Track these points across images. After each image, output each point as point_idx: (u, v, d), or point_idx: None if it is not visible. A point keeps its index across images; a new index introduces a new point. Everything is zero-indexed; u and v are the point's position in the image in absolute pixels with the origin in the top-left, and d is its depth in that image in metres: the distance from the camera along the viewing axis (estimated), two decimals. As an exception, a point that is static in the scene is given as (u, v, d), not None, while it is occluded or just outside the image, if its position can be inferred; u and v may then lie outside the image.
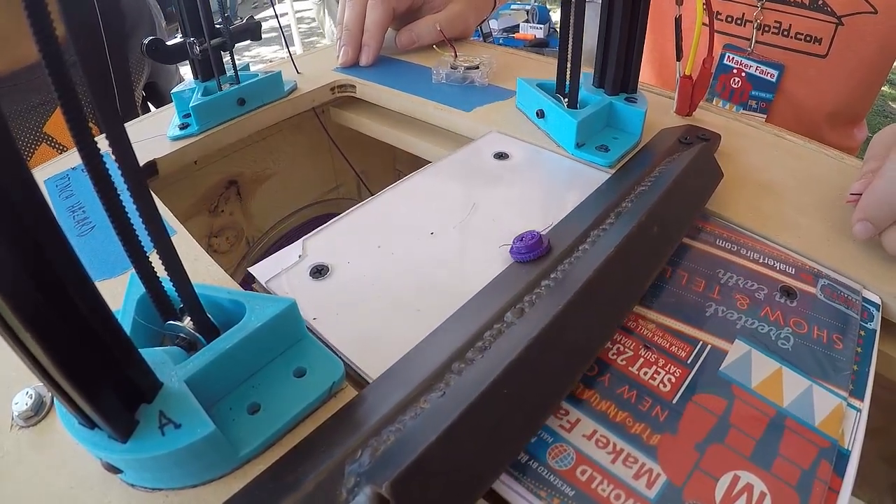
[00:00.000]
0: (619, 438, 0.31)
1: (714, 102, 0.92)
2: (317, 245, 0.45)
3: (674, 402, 0.33)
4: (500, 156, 0.55)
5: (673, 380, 0.34)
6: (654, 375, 0.34)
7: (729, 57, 0.88)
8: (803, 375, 0.35)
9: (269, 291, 0.40)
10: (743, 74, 0.88)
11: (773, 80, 0.86)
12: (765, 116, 0.90)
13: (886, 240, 0.43)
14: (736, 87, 0.90)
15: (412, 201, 0.50)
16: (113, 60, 0.87)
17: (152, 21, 1.11)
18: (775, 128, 0.60)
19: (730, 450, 0.30)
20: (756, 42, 0.87)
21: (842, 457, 0.31)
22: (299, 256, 0.43)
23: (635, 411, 0.32)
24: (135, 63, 1.08)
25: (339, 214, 0.47)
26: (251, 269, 0.42)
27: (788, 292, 0.40)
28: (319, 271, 0.42)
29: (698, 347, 0.36)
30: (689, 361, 0.35)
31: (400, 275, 0.41)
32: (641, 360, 0.35)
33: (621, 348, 0.36)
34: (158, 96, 1.16)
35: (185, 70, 0.81)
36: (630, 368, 0.35)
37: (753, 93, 0.89)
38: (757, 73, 0.87)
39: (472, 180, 0.52)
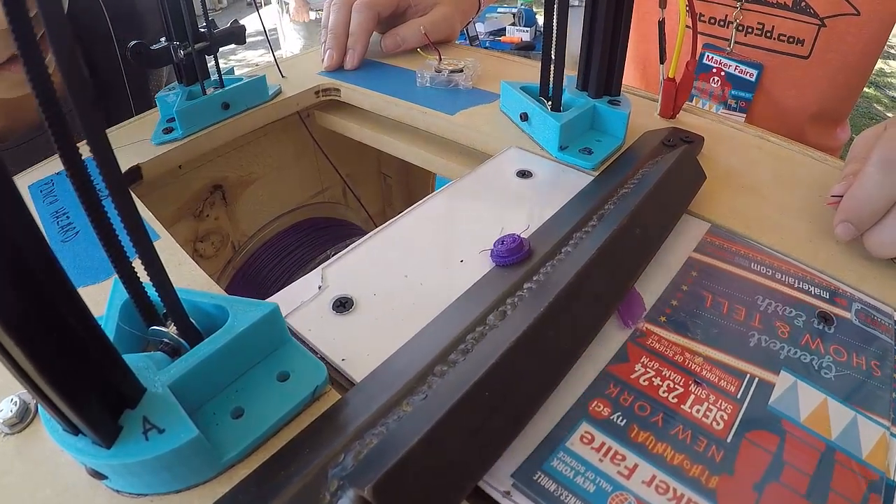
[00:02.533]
0: (678, 483, 0.30)
1: (694, 102, 0.93)
2: (337, 274, 0.42)
3: (728, 440, 0.32)
4: (523, 174, 0.53)
5: (725, 417, 0.33)
6: (707, 413, 0.33)
7: (708, 56, 0.89)
8: (847, 406, 0.34)
9: (288, 325, 0.37)
10: (722, 74, 0.89)
11: (753, 79, 0.87)
12: (744, 116, 0.90)
13: (868, 241, 0.43)
14: (715, 86, 0.90)
15: (436, 225, 0.47)
16: (129, 67, 0.86)
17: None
18: (758, 129, 0.61)
19: (786, 488, 0.30)
20: (738, 43, 0.87)
21: (890, 489, 0.30)
22: (319, 287, 0.40)
23: (692, 452, 0.31)
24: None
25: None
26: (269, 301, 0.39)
27: (826, 318, 0.40)
28: (343, 304, 0.39)
29: (746, 381, 0.35)
30: (738, 396, 0.34)
31: (431, 308, 0.38)
32: (692, 396, 0.34)
33: (671, 385, 0.35)
34: (147, 104, 1.13)
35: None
36: (682, 406, 0.34)
37: (733, 92, 0.89)
38: (736, 73, 0.88)
39: (496, 201, 0.50)
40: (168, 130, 0.60)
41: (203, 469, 0.28)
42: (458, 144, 0.64)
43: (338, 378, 0.35)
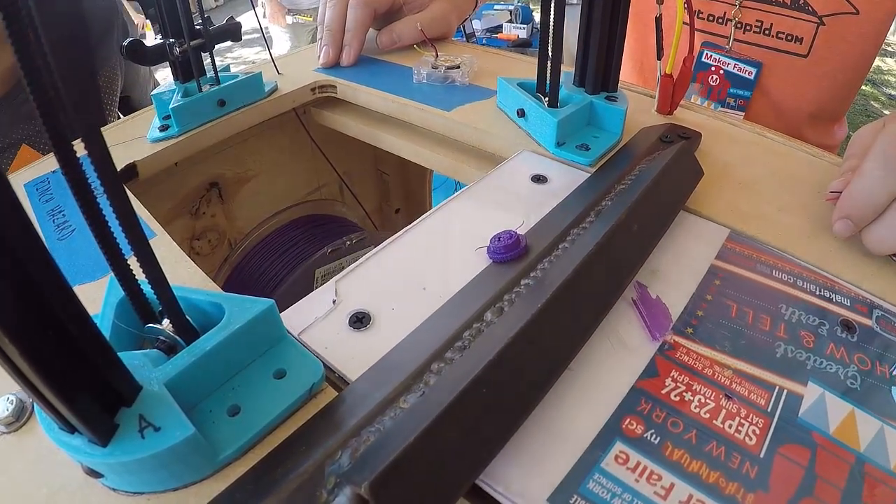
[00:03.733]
0: (715, 502, 0.29)
1: (692, 100, 0.93)
2: (351, 287, 0.40)
3: (761, 455, 0.31)
4: (538, 179, 0.51)
5: (757, 431, 0.32)
6: (739, 428, 0.33)
7: (707, 55, 0.89)
8: (874, 416, 0.34)
9: (302, 343, 0.36)
10: (721, 72, 0.89)
11: (752, 77, 0.87)
12: (742, 114, 0.90)
13: (866, 237, 0.43)
14: (714, 84, 0.90)
15: (452, 233, 0.46)
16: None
17: (125, 27, 1.06)
18: (756, 126, 0.61)
19: (820, 503, 0.29)
20: (736, 41, 0.87)
21: None
22: (333, 301, 0.39)
23: (726, 469, 0.31)
24: (108, 77, 1.03)
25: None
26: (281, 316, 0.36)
27: (848, 326, 0.39)
28: (360, 320, 0.37)
29: (775, 393, 0.35)
30: (769, 409, 0.34)
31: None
32: (724, 411, 0.33)
33: (702, 399, 0.34)
34: (134, 111, 1.11)
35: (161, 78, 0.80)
36: (714, 422, 0.33)
37: (731, 90, 0.89)
38: (735, 71, 0.88)
39: (513, 207, 0.48)
40: (164, 128, 0.60)
41: (199, 467, 0.28)
42: (454, 141, 0.64)
43: (334, 376, 0.35)
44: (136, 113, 0.66)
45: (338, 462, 0.27)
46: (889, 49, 4.95)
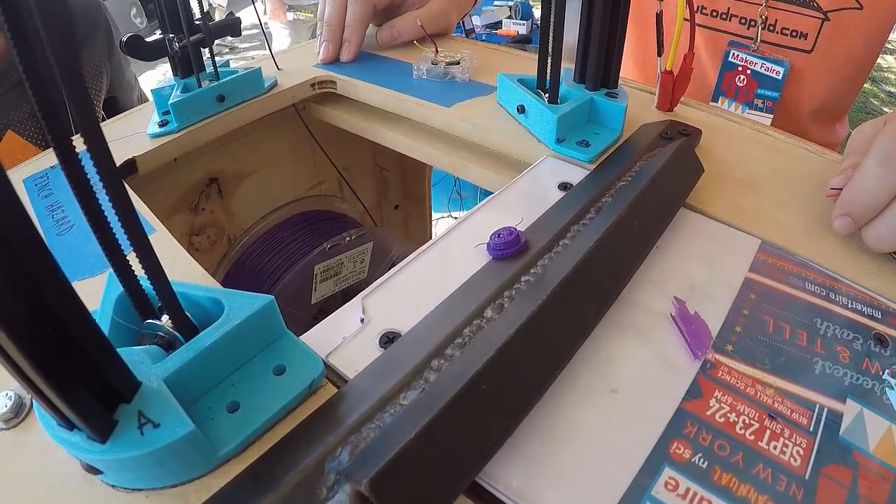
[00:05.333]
0: None
1: (720, 102, 0.92)
2: (380, 304, 0.39)
3: (806, 477, 0.31)
4: (565, 186, 0.50)
5: (801, 452, 0.32)
6: (784, 449, 0.32)
7: (734, 54, 0.88)
8: None
9: (331, 367, 0.35)
10: (748, 72, 0.87)
11: (780, 77, 0.86)
12: (771, 117, 0.89)
13: (866, 235, 0.43)
14: (741, 85, 0.89)
15: (479, 243, 0.43)
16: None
17: (109, 29, 1.06)
18: (756, 123, 0.61)
19: None
20: (740, 35, 0.87)
21: None
22: (361, 320, 0.37)
23: (774, 493, 0.30)
24: (91, 76, 1.03)
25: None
26: (304, 338, 0.35)
27: (881, 340, 0.38)
28: (391, 340, 0.35)
29: (816, 411, 0.34)
30: (811, 429, 0.33)
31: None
32: (769, 432, 0.33)
33: (746, 420, 0.33)
34: (119, 113, 1.10)
35: (146, 81, 0.80)
36: (760, 443, 0.32)
37: (759, 91, 0.88)
38: (762, 71, 0.86)
39: (538, 215, 0.46)
40: (163, 123, 0.60)
41: (199, 463, 0.28)
42: (454, 137, 0.63)
43: (333, 372, 0.35)
44: (136, 108, 0.66)
45: (338, 459, 0.27)
46: (889, 46, 4.95)
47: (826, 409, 0.34)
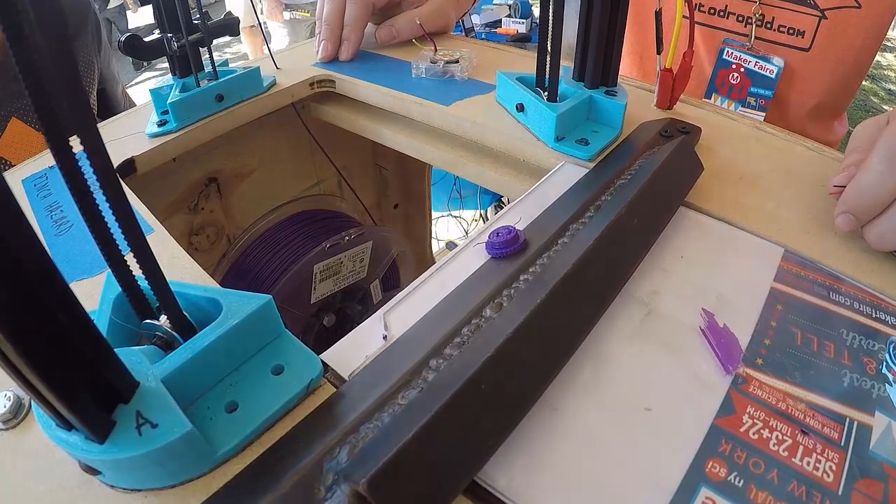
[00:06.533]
0: None
1: (713, 98, 0.92)
2: (402, 320, 0.37)
3: (839, 492, 0.30)
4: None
5: (833, 467, 0.31)
6: (817, 465, 0.32)
7: (728, 52, 0.88)
8: None
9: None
10: (742, 70, 0.87)
11: (773, 76, 0.86)
12: (763, 115, 0.89)
13: (868, 233, 0.43)
14: (735, 82, 0.89)
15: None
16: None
17: (97, 21, 1.08)
18: (756, 121, 0.61)
19: None
20: (736, 33, 0.87)
21: None
22: (384, 337, 0.36)
23: None
24: (84, 69, 1.04)
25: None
26: (324, 357, 0.34)
27: None
28: None
29: (847, 425, 0.34)
30: (842, 443, 0.33)
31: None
32: (801, 447, 0.32)
33: (780, 436, 0.33)
34: (110, 102, 1.13)
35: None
36: (793, 459, 0.32)
37: (752, 89, 0.88)
38: (756, 69, 0.87)
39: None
40: (162, 123, 0.60)
41: (197, 464, 0.28)
42: (453, 136, 0.63)
43: (332, 372, 0.34)
44: (134, 108, 0.66)
45: (336, 458, 0.27)
46: (888, 44, 4.95)
47: (856, 423, 0.34)
